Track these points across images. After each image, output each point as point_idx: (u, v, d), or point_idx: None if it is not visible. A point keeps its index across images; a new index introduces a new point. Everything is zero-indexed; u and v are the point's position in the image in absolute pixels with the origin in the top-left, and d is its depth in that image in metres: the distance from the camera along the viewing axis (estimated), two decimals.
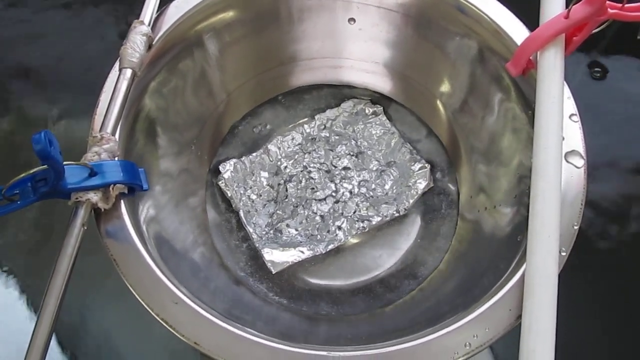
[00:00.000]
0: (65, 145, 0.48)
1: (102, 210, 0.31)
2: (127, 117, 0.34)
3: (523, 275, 0.29)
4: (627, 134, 0.46)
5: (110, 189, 0.31)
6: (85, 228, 0.30)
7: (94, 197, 0.30)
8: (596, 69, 0.48)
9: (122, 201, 0.32)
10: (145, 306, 0.29)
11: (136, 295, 0.29)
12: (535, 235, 0.29)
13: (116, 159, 0.32)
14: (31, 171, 0.27)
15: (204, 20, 0.39)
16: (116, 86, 0.33)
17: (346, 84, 0.47)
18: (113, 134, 0.32)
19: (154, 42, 0.36)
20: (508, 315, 0.29)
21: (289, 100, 0.47)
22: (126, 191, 0.32)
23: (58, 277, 0.28)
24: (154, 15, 0.37)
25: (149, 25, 0.36)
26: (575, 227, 0.31)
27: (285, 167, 0.44)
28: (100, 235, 0.31)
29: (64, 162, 0.28)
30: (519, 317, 0.29)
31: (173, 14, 0.37)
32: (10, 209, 0.29)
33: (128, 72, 0.34)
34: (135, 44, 0.34)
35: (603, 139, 0.46)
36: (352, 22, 0.42)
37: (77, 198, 0.30)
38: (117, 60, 0.35)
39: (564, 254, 0.30)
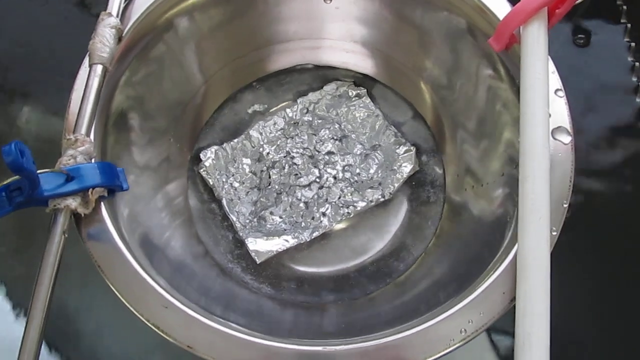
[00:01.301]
0: (39, 141, 0.47)
1: (83, 215, 0.30)
2: (100, 115, 0.33)
3: (515, 257, 0.29)
4: (610, 102, 0.46)
5: (90, 193, 0.30)
6: (67, 236, 0.29)
7: (73, 202, 0.29)
8: (580, 36, 0.47)
9: (102, 204, 0.31)
10: (135, 312, 0.28)
11: (124, 302, 0.29)
12: (526, 218, 0.29)
13: (93, 160, 0.31)
14: (4, 182, 0.26)
15: (175, 7, 0.37)
16: (87, 84, 0.32)
17: (326, 65, 0.46)
18: (88, 134, 0.31)
19: (123, 34, 0.35)
20: (502, 299, 0.29)
21: (269, 84, 0.46)
22: (106, 194, 0.31)
23: (42, 288, 0.28)
24: (122, 5, 0.35)
25: (117, 16, 0.34)
26: (565, 205, 0.31)
27: (268, 153, 0.43)
28: (82, 241, 0.30)
29: (38, 171, 0.27)
30: (513, 299, 0.29)
31: (142, 2, 0.36)
32: None
33: (99, 68, 0.32)
34: (105, 38, 0.33)
35: (587, 109, 0.46)
36: (329, 2, 0.41)
37: (55, 205, 0.29)
38: (87, 56, 0.33)
39: (554, 233, 0.30)
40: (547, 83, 0.32)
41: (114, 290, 0.29)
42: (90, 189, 0.30)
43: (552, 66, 0.34)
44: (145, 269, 0.30)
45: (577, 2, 0.34)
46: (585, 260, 0.42)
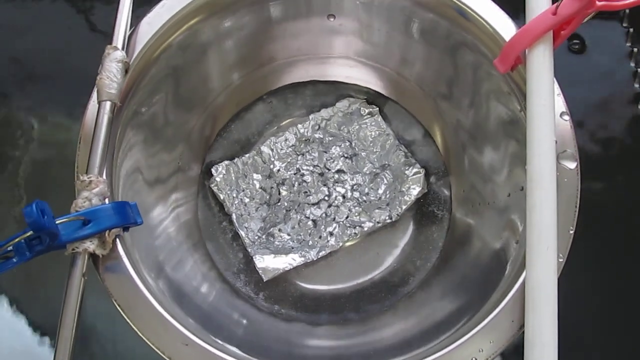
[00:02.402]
0: (49, 144, 0.47)
1: (100, 256, 0.30)
2: (111, 151, 0.33)
3: (523, 285, 0.30)
4: (605, 110, 0.46)
5: (106, 234, 0.30)
6: (86, 278, 0.29)
7: (91, 245, 0.29)
8: (575, 41, 0.47)
9: (118, 241, 0.31)
10: (156, 350, 0.29)
11: (145, 340, 0.30)
12: (533, 247, 0.30)
13: (107, 200, 0.31)
14: (24, 235, 0.27)
15: (178, 32, 0.37)
16: (97, 122, 0.32)
17: (332, 81, 0.46)
18: (100, 174, 0.31)
19: (130, 63, 0.34)
20: (511, 327, 0.30)
21: (279, 100, 0.46)
22: (122, 232, 0.31)
23: (65, 330, 0.28)
24: (127, 35, 0.35)
25: (122, 48, 0.34)
26: (571, 232, 0.31)
27: (278, 170, 0.44)
28: (100, 279, 0.31)
29: (57, 221, 0.27)
30: (522, 327, 0.30)
31: (146, 31, 0.35)
32: (7, 267, 0.28)
33: (107, 105, 0.32)
34: (112, 73, 0.33)
35: (581, 117, 0.46)
36: (332, 18, 0.41)
37: (73, 249, 0.29)
38: (94, 91, 0.33)
39: (561, 260, 0.31)
40: (553, 110, 0.32)
41: (135, 329, 0.30)
42: (107, 231, 0.30)
43: (557, 88, 0.34)
44: (165, 306, 0.30)
45: (583, 21, 0.34)
46: (592, 262, 0.43)
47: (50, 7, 0.53)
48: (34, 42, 0.52)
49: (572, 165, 0.33)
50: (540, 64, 0.33)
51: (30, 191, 0.48)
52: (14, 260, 0.28)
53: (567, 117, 0.34)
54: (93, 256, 0.30)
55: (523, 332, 0.29)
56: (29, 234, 0.27)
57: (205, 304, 0.38)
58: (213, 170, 0.44)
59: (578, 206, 0.32)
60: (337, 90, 0.46)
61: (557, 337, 0.28)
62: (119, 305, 0.30)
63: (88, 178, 0.30)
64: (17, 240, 0.27)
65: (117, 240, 0.31)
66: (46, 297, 0.45)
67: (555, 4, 0.33)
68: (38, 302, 0.45)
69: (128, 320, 0.30)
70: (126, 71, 0.34)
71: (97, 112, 0.32)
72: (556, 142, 0.32)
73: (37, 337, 0.44)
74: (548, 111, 0.32)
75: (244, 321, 0.38)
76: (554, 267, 0.29)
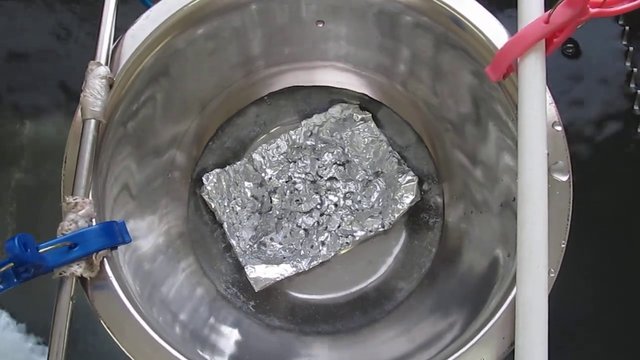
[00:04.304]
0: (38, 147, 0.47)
1: (88, 278, 0.30)
2: (98, 169, 0.33)
3: (513, 301, 0.30)
4: (601, 111, 0.45)
5: (94, 257, 0.30)
6: (74, 301, 0.29)
7: (78, 269, 0.29)
8: (569, 45, 0.46)
9: (106, 262, 0.31)
10: None
11: None
12: (524, 265, 0.29)
13: (94, 221, 0.31)
14: (8, 266, 0.26)
15: (163, 43, 0.36)
16: (82, 141, 0.31)
17: (324, 86, 0.45)
18: (87, 194, 0.31)
19: (115, 78, 0.34)
20: (502, 344, 0.30)
21: (271, 105, 0.46)
22: (110, 254, 0.31)
23: (54, 356, 0.28)
24: (110, 49, 0.34)
25: (106, 63, 0.33)
26: (563, 246, 0.31)
27: (270, 178, 0.43)
28: (89, 301, 0.31)
29: (42, 250, 0.27)
30: (512, 343, 0.29)
31: (130, 44, 0.35)
32: None
33: (92, 124, 0.32)
34: (95, 90, 0.32)
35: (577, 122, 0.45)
36: (320, 24, 0.40)
37: (60, 273, 0.29)
38: (78, 109, 0.32)
39: (552, 275, 0.30)
40: (545, 120, 0.32)
41: (124, 350, 0.30)
42: (94, 253, 0.30)
43: (549, 97, 0.34)
44: (151, 323, 0.30)
45: (577, 28, 0.34)
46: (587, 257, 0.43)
47: (45, 9, 0.52)
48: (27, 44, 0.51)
49: (564, 177, 0.32)
50: (532, 73, 0.32)
51: (20, 196, 0.47)
52: (0, 287, 0.28)
53: (559, 128, 0.33)
54: (81, 278, 0.30)
55: (513, 350, 0.29)
56: (11, 264, 0.26)
57: (196, 317, 0.38)
58: (204, 179, 0.43)
59: (570, 219, 0.32)
60: (330, 95, 0.45)
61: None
62: (107, 328, 0.30)
63: (74, 200, 0.30)
64: (1, 270, 0.26)
65: (105, 260, 0.31)
66: (44, 297, 0.45)
67: (548, 12, 0.32)
68: (35, 303, 0.45)
69: (117, 342, 0.30)
70: (110, 86, 0.33)
71: (82, 131, 0.32)
72: (548, 154, 0.32)
73: (32, 340, 0.44)
74: (540, 122, 0.31)
75: (236, 333, 0.38)
76: (544, 286, 0.29)
